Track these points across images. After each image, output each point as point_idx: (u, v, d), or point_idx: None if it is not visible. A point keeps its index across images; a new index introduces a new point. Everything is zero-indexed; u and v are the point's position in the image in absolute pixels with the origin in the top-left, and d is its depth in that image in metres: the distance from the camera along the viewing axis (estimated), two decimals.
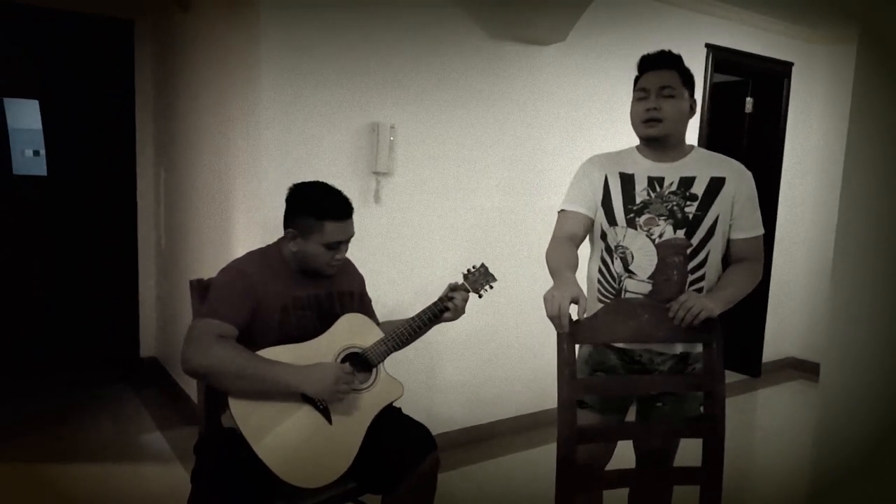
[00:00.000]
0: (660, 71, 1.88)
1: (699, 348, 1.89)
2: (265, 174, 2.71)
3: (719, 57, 4.14)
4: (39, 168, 4.12)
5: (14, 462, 2.98)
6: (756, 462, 3.50)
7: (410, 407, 2.14)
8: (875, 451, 1.66)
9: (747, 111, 4.82)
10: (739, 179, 1.90)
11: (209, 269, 2.73)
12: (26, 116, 4.03)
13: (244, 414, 1.76)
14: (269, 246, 2.05)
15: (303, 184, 2.01)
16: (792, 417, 4.21)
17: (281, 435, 1.77)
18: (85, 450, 3.14)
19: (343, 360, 1.93)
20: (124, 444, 3.26)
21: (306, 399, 1.83)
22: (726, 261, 1.95)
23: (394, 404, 2.01)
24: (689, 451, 1.94)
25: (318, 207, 1.91)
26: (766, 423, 4.18)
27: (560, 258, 1.84)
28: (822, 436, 1.78)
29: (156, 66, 4.01)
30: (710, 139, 4.21)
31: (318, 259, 1.93)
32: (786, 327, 5.05)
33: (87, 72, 3.98)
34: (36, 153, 4.11)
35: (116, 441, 3.27)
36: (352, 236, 1.99)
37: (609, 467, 2.00)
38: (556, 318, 1.61)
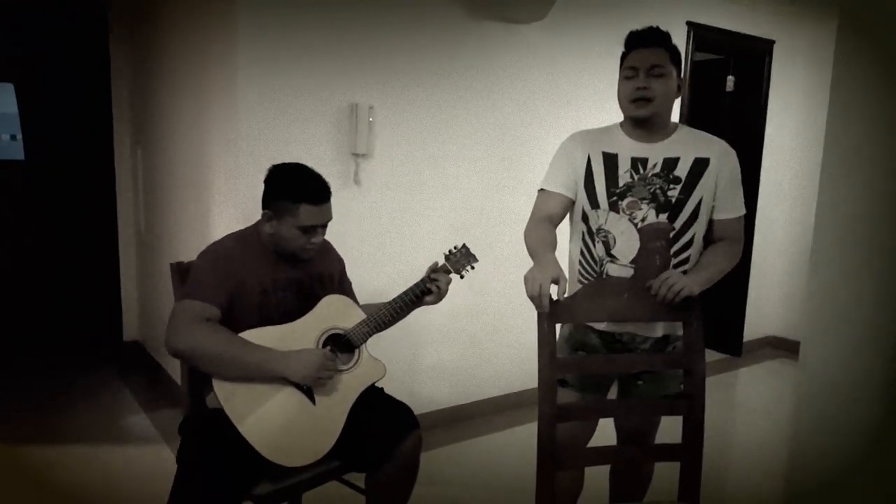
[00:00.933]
0: (649, 49, 1.84)
1: (680, 330, 1.90)
2: (243, 156, 2.69)
3: (700, 35, 4.14)
4: (17, 152, 4.06)
5: (0, 444, 2.98)
6: (736, 440, 3.56)
7: (393, 387, 2.15)
8: (854, 428, 1.69)
9: (728, 90, 4.83)
10: (724, 159, 1.89)
11: (189, 251, 2.72)
12: (2, 100, 3.96)
13: (228, 394, 1.76)
14: (248, 228, 2.04)
15: (281, 165, 1.99)
16: (772, 396, 4.27)
17: (265, 415, 1.78)
18: (70, 432, 3.13)
19: (325, 342, 1.93)
20: (109, 426, 3.25)
21: (290, 381, 1.83)
22: (707, 239, 1.96)
23: (376, 385, 2.02)
24: (669, 429, 1.97)
25: (294, 190, 1.89)
26: (746, 402, 4.24)
27: (539, 238, 1.84)
28: (801, 413, 1.81)
29: (131, 47, 3.95)
30: (690, 118, 4.22)
31: (293, 242, 1.92)
32: (766, 306, 5.10)
33: (62, 54, 3.92)
34: (13, 137, 4.05)
35: (101, 423, 3.27)
36: (328, 221, 1.97)
37: (591, 445, 2.02)
38: (536, 298, 1.60)
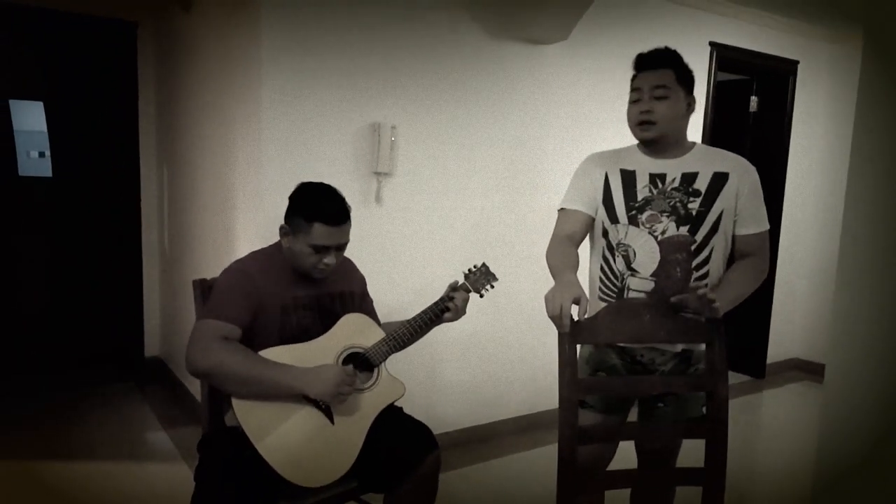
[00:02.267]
0: (654, 70, 1.85)
1: (701, 347, 1.89)
2: (266, 175, 2.72)
3: (723, 55, 4.13)
4: (45, 169, 4.13)
5: (19, 459, 3.00)
6: (759, 463, 3.49)
7: (411, 407, 2.14)
8: (879, 452, 1.65)
9: (752, 110, 4.81)
10: (743, 174, 1.88)
11: (212, 268, 2.74)
12: (31, 118, 4.05)
13: (247, 413, 1.77)
14: (271, 246, 2.05)
15: (306, 183, 2.01)
16: (796, 419, 4.20)
17: (283, 434, 1.78)
18: (90, 448, 3.15)
19: (345, 361, 1.93)
20: (129, 442, 3.27)
21: (308, 399, 1.83)
22: (730, 258, 1.94)
23: (396, 404, 2.01)
24: (692, 452, 1.94)
25: (309, 208, 1.90)
26: (770, 424, 4.17)
27: (560, 258, 1.83)
28: (825, 437, 1.77)
29: (158, 67, 4.03)
30: (713, 138, 4.20)
31: (305, 260, 1.92)
32: (790, 328, 5.03)
33: (90, 73, 4.00)
34: (41, 154, 4.12)
35: (121, 439, 3.29)
36: (344, 243, 1.96)
37: (611, 467, 1.99)
38: (557, 318, 1.59)
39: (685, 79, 1.88)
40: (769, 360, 4.92)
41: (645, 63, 1.88)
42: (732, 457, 1.76)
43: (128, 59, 3.97)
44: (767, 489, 3.16)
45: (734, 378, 4.79)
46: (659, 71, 1.85)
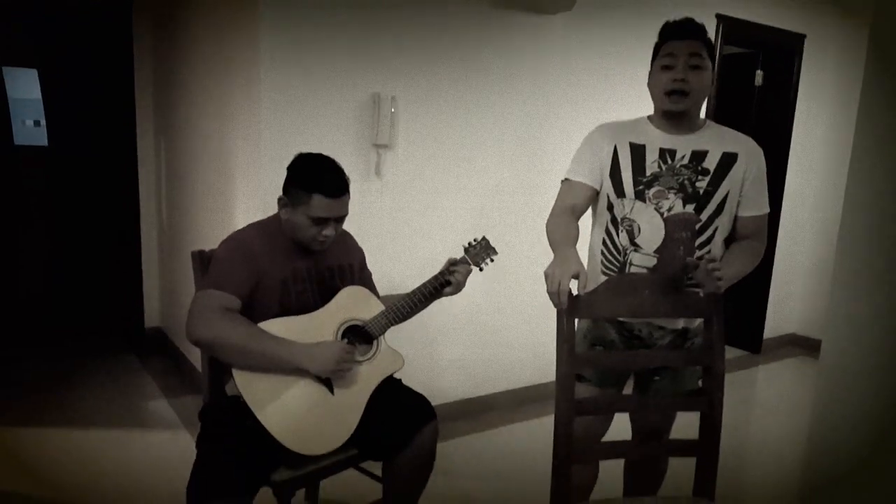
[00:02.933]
0: (686, 40, 1.81)
1: (699, 323, 1.90)
2: (265, 145, 2.71)
3: (729, 28, 4.07)
4: (40, 138, 4.11)
5: (21, 428, 3.03)
6: (753, 437, 3.53)
7: (410, 379, 2.16)
8: (871, 429, 1.67)
9: (757, 84, 4.76)
10: (751, 156, 1.87)
11: (211, 239, 2.74)
12: (26, 86, 4.01)
13: (248, 383, 1.78)
14: (269, 218, 2.05)
15: (305, 154, 1.99)
16: (792, 394, 4.23)
17: (284, 404, 1.79)
18: (91, 417, 3.19)
19: (344, 333, 1.94)
20: (130, 411, 3.31)
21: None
22: (729, 238, 1.94)
23: (394, 376, 2.03)
24: (685, 425, 1.96)
25: (309, 180, 1.89)
26: (765, 399, 4.20)
27: (561, 231, 1.82)
28: (819, 412, 1.79)
29: (154, 35, 3.98)
30: (718, 112, 4.16)
31: (304, 232, 1.92)
32: (788, 304, 5.05)
33: (85, 40, 3.94)
34: (37, 123, 4.10)
35: (122, 408, 3.32)
36: (343, 215, 1.96)
37: (605, 439, 2.01)
38: (555, 294, 1.59)
39: (711, 52, 1.85)
40: (766, 336, 4.95)
41: (677, 32, 1.83)
42: (726, 430, 1.79)
43: (123, 27, 3.92)
44: (760, 462, 3.20)
45: (730, 353, 4.82)
46: (691, 40, 1.81)
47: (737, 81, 4.72)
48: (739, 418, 3.70)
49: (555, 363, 1.67)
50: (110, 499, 2.50)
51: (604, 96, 3.57)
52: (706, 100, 4.01)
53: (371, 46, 2.85)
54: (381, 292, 2.23)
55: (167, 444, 2.94)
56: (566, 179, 1.97)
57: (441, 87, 3.07)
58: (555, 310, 1.65)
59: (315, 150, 2.03)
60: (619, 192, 1.88)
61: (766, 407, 4.02)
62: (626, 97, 3.54)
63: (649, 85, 1.89)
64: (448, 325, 3.29)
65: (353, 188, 2.00)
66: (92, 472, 2.69)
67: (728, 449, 1.91)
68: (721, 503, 1.76)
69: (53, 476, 2.65)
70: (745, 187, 1.87)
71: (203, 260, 2.03)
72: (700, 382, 1.83)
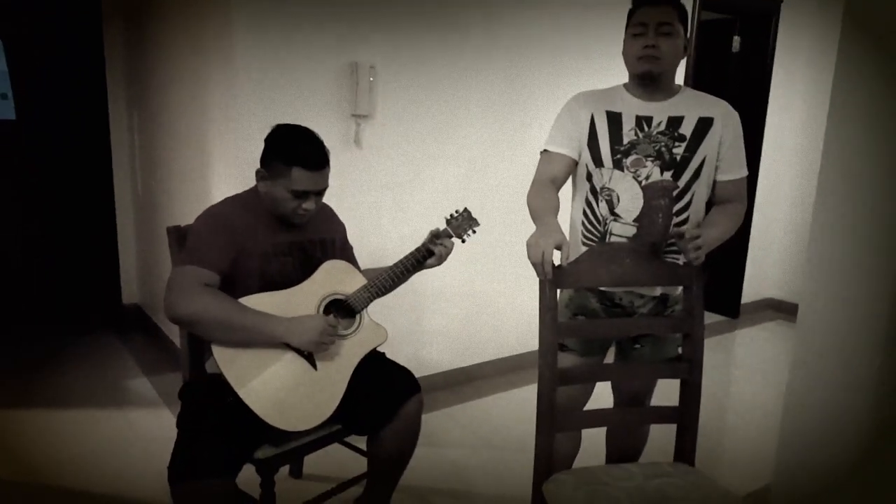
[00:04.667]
0: (657, 7, 1.82)
1: (679, 290, 1.91)
2: (241, 116, 2.65)
3: None
4: (7, 112, 3.99)
5: (2, 409, 3.00)
6: (732, 401, 3.60)
7: (395, 351, 2.16)
8: (849, 391, 1.70)
9: (734, 50, 4.76)
10: (727, 120, 1.88)
11: (187, 214, 2.69)
12: None
13: (228, 360, 1.76)
14: (247, 191, 2.02)
15: (283, 126, 1.95)
16: (770, 357, 4.31)
17: (266, 380, 1.78)
18: (70, 396, 3.16)
19: (326, 307, 1.93)
20: (110, 389, 3.28)
21: (291, 346, 1.83)
22: (709, 202, 1.95)
23: (378, 349, 2.02)
24: (665, 391, 1.98)
25: (289, 152, 1.86)
26: (743, 363, 4.28)
27: (542, 202, 1.82)
28: (796, 375, 1.82)
29: (125, 4, 3.86)
30: (696, 78, 4.16)
31: (285, 205, 1.89)
32: (765, 268, 5.11)
33: (53, 10, 3.82)
34: (3, 96, 3.98)
35: (102, 387, 3.29)
36: (323, 188, 1.93)
37: (588, 407, 2.03)
38: (539, 265, 1.59)
39: (683, 18, 1.85)
40: (744, 300, 5.02)
41: None
42: (705, 394, 1.81)
43: None
44: (739, 426, 3.27)
45: (709, 318, 4.88)
46: (663, 7, 1.82)
47: (714, 47, 4.72)
48: (718, 382, 3.76)
49: (538, 332, 1.68)
50: (92, 479, 2.48)
51: (582, 61, 3.54)
52: (684, 66, 4.04)
53: (348, 15, 2.79)
54: (363, 265, 2.21)
55: (148, 423, 2.92)
56: (545, 150, 1.96)
57: (421, 56, 3.02)
58: (535, 279, 1.65)
59: (293, 122, 1.99)
60: (598, 162, 1.88)
61: (744, 371, 4.09)
62: (606, 64, 3.51)
63: (623, 52, 1.89)
64: (431, 296, 3.28)
65: (333, 159, 1.97)
66: (73, 453, 2.67)
67: (707, 413, 1.94)
68: (701, 467, 1.79)
69: (34, 458, 2.63)
70: (721, 151, 1.88)
71: (179, 235, 1.99)
72: (680, 349, 1.85)
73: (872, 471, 1.66)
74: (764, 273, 5.12)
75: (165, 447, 1.73)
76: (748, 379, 3.90)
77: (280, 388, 1.79)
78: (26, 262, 4.10)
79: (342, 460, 2.36)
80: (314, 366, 1.85)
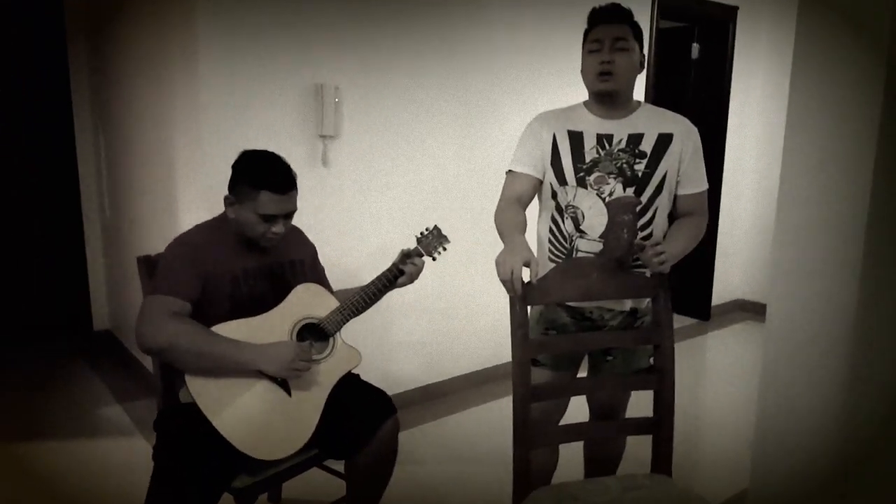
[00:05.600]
0: (612, 24, 1.86)
1: (647, 302, 1.94)
2: (207, 140, 2.64)
3: (665, 2, 4.13)
4: None
5: None
6: (705, 404, 3.65)
7: (367, 368, 2.15)
8: (820, 388, 1.73)
9: (693, 57, 4.86)
10: (686, 136, 1.92)
11: (155, 238, 2.68)
12: None
13: (201, 389, 1.75)
14: (215, 218, 2.01)
15: (250, 151, 1.96)
16: (741, 358, 4.39)
17: (240, 409, 1.77)
18: (43, 426, 3.10)
19: (299, 332, 1.93)
20: (83, 418, 3.22)
21: (265, 374, 1.83)
22: (671, 216, 1.99)
23: (352, 371, 2.02)
24: (641, 402, 2.01)
25: (255, 176, 1.87)
26: (715, 365, 4.35)
27: (509, 221, 1.84)
28: (768, 374, 1.85)
29: (89, 27, 3.83)
30: (656, 86, 4.23)
31: (253, 229, 1.90)
32: (733, 270, 5.21)
33: (16, 33, 3.78)
34: None
35: (74, 416, 3.23)
36: (292, 211, 1.94)
37: (564, 421, 2.05)
38: (508, 282, 1.61)
39: (638, 35, 1.90)
40: (714, 302, 5.10)
41: (603, 16, 1.89)
42: (679, 399, 1.83)
43: (56, 23, 3.77)
44: (713, 429, 3.31)
45: (681, 321, 4.96)
46: (617, 24, 1.86)
47: (674, 55, 4.81)
48: (691, 386, 3.81)
49: (509, 344, 1.69)
50: None
51: (543, 80, 3.59)
52: (644, 74, 4.11)
53: (312, 37, 2.80)
54: (333, 285, 2.21)
55: (123, 451, 2.88)
56: (510, 171, 1.99)
57: (383, 76, 3.04)
58: (505, 292, 1.67)
59: (259, 145, 2.00)
60: (561, 180, 1.91)
61: (716, 372, 4.16)
62: (571, 79, 3.55)
63: (581, 70, 1.93)
64: (401, 311, 3.29)
65: (301, 180, 1.98)
66: (44, 485, 2.61)
67: (683, 419, 1.97)
68: (678, 475, 1.82)
69: (5, 489, 2.57)
70: (682, 166, 1.92)
71: (149, 265, 1.98)
72: (651, 360, 1.88)
73: (847, 471, 1.69)
74: (732, 275, 5.21)
75: (141, 477, 1.72)
76: (721, 381, 3.97)
77: (254, 416, 1.79)
78: None
79: (321, 484, 2.35)
80: (289, 392, 1.85)
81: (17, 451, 2.86)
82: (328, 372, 1.93)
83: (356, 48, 2.93)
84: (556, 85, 3.58)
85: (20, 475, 2.68)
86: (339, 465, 2.06)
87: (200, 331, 1.77)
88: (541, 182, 1.97)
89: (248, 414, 1.78)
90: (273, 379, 1.84)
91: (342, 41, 2.88)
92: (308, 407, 1.86)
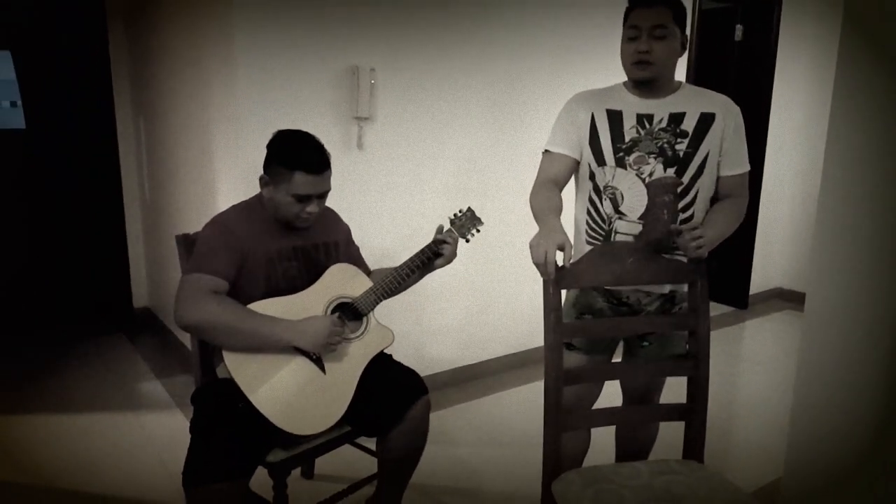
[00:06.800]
0: (652, 8, 1.80)
1: (686, 287, 1.91)
2: (244, 122, 2.67)
3: None
4: (17, 121, 4.03)
5: (12, 416, 3.04)
6: (741, 393, 3.60)
7: (401, 350, 2.17)
8: (858, 379, 1.70)
9: (737, 39, 4.73)
10: (728, 115, 1.87)
11: (194, 219, 2.72)
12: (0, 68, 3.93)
13: (238, 365, 1.79)
14: (252, 198, 2.04)
15: (284, 131, 1.97)
16: (778, 348, 4.30)
17: (276, 385, 1.80)
18: (83, 401, 3.20)
19: (333, 311, 1.95)
20: (123, 393, 3.31)
21: (299, 350, 1.85)
22: (712, 198, 1.95)
23: (385, 351, 2.04)
24: (675, 388, 1.99)
25: (290, 157, 1.88)
26: (751, 354, 4.27)
27: (545, 203, 1.82)
28: (806, 365, 1.82)
29: (129, 13, 3.89)
30: (698, 68, 4.15)
31: (288, 209, 1.91)
32: (773, 258, 5.10)
33: (58, 20, 3.87)
34: (13, 104, 4.01)
35: (114, 391, 3.32)
36: (325, 191, 1.95)
37: (597, 405, 2.04)
38: (541, 265, 1.60)
39: (680, 17, 1.83)
40: (752, 291, 5.01)
41: (643, 0, 1.82)
42: (714, 387, 1.81)
43: (97, 7, 3.83)
44: (748, 418, 3.26)
45: (718, 310, 4.88)
46: (656, 8, 1.79)
47: (717, 36, 4.70)
48: (727, 374, 3.76)
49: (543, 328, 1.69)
50: (106, 483, 2.51)
51: (583, 62, 3.53)
52: (686, 56, 4.02)
53: (348, 19, 2.80)
54: (369, 265, 2.23)
55: (161, 426, 2.96)
56: (546, 151, 1.96)
57: (421, 58, 3.03)
58: (538, 275, 1.66)
59: (295, 126, 2.01)
60: (600, 160, 1.88)
61: (753, 362, 4.09)
62: (605, 62, 3.49)
63: (620, 54, 1.88)
64: (436, 294, 3.30)
65: (335, 162, 1.99)
66: (87, 457, 2.70)
67: (717, 407, 1.95)
68: (710, 462, 1.80)
69: (48, 463, 2.66)
70: (724, 146, 1.87)
71: (188, 243, 2.02)
72: (687, 346, 1.86)
73: (884, 462, 1.66)
74: (771, 263, 5.10)
75: (179, 451, 1.76)
76: (757, 371, 3.90)
77: (290, 392, 1.82)
78: (37, 268, 4.14)
79: (353, 461, 2.38)
80: (323, 370, 1.87)
81: (56, 426, 2.96)
82: (361, 350, 1.95)
83: (391, 30, 2.92)
84: (593, 68, 3.51)
85: (59, 449, 2.77)
86: (371, 443, 2.09)
87: (236, 308, 1.80)
88: (577, 163, 1.94)
89: (283, 390, 1.81)
90: (308, 356, 1.86)
91: (377, 23, 2.88)
92: (341, 384, 1.89)
